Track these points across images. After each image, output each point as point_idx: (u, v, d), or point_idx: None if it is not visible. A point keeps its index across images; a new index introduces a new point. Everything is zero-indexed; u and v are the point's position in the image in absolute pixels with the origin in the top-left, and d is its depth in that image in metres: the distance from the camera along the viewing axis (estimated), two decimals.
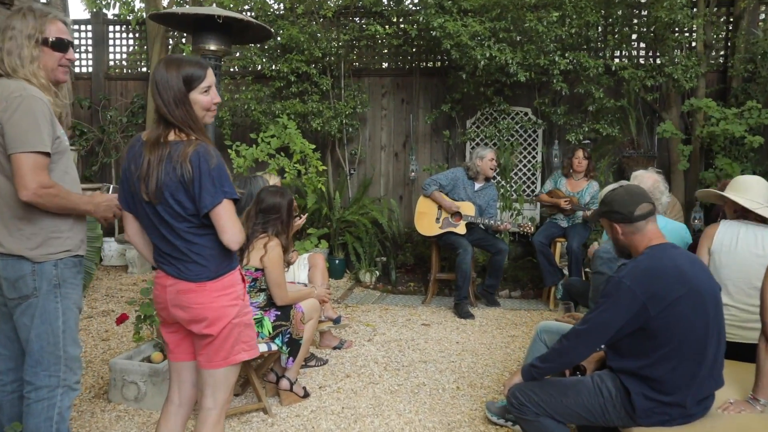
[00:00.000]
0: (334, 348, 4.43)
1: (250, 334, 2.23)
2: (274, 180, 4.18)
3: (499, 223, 5.63)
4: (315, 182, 6.33)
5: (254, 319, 3.28)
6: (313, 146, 6.27)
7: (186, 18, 4.46)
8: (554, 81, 5.96)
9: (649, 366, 2.26)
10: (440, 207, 5.77)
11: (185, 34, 6.98)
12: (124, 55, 7.98)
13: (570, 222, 5.85)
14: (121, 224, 2.95)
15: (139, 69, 7.91)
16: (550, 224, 5.91)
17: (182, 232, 2.08)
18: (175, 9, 4.17)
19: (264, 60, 7.00)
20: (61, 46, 2.34)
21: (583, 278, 5.90)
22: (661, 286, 2.22)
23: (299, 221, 3.69)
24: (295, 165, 6.14)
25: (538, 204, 6.80)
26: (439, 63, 7.31)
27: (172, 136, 2.09)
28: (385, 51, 7.40)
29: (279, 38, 6.82)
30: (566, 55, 5.82)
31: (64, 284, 2.33)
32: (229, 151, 6.15)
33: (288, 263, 3.47)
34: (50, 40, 2.30)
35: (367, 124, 7.43)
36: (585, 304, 3.98)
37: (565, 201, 5.76)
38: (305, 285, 4.04)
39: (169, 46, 7.53)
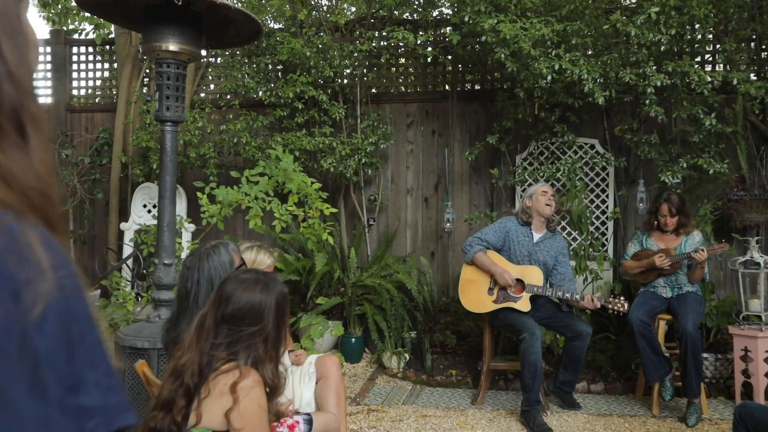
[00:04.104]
0: None
1: None
2: (262, 256, 2.64)
3: (578, 298, 4.06)
4: (319, 232, 4.74)
5: None
6: (318, 185, 4.73)
7: (130, 3, 3.00)
8: (646, 103, 4.40)
9: None
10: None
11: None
12: (90, 82, 6.54)
13: (675, 291, 4.25)
14: None
15: (108, 99, 6.45)
16: (648, 295, 4.29)
17: None
18: None
19: (258, 82, 5.52)
20: None
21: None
22: None
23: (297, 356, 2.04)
24: (288, 209, 4.56)
25: (609, 268, 5.21)
26: (478, 85, 5.83)
27: None
28: (411, 69, 5.93)
29: (277, 55, 5.37)
30: (664, 66, 4.27)
31: None
32: (199, 195, 4.59)
33: (277, 416, 1.88)
34: None
35: (389, 162, 5.90)
36: None
37: (660, 256, 4.19)
38: (308, 418, 2.45)
39: (143, 69, 6.10)
